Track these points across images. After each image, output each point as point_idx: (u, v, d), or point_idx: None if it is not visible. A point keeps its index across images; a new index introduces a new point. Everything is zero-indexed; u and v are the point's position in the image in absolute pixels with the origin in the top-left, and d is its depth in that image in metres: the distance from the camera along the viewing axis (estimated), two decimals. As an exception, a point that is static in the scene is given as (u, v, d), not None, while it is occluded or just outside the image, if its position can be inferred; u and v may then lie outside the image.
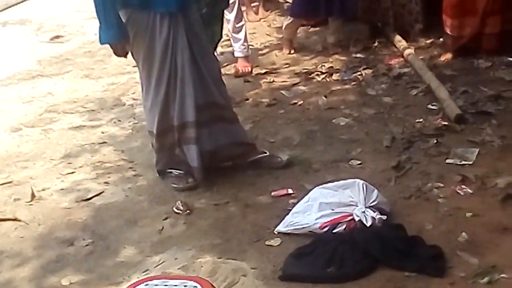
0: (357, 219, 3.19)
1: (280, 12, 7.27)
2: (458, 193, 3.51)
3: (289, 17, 5.96)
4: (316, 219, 3.25)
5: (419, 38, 5.85)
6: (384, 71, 5.29)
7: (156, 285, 2.29)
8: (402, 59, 5.46)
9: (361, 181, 3.37)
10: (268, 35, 6.65)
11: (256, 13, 7.24)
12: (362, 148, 4.10)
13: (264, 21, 7.16)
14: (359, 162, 3.95)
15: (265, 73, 5.57)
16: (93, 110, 5.16)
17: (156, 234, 3.45)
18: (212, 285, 2.31)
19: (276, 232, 3.32)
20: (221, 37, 4.90)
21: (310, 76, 5.38)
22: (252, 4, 7.29)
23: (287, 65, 5.70)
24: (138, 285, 2.30)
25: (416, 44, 5.73)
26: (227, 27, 5.40)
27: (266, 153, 4.01)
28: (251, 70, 5.56)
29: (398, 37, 5.73)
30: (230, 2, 5.04)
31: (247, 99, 5.04)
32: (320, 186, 3.48)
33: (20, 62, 6.45)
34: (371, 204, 3.26)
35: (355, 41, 5.94)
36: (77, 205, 3.82)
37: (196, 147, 3.76)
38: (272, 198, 3.67)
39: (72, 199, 3.88)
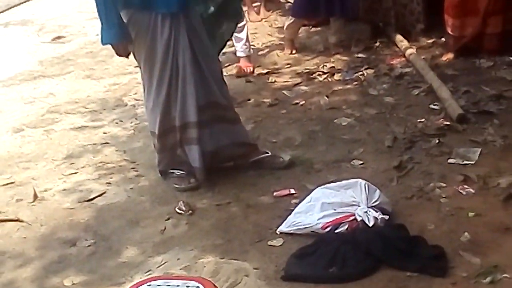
0: (359, 219, 3.20)
1: (281, 12, 7.27)
2: (460, 193, 3.51)
3: (290, 17, 5.96)
4: (318, 219, 3.25)
5: (420, 38, 5.85)
6: (386, 71, 5.29)
7: (159, 285, 2.29)
8: (403, 59, 5.46)
9: (363, 181, 3.37)
10: (269, 35, 6.65)
11: (258, 13, 7.25)
12: (364, 148, 4.10)
13: (265, 21, 7.16)
14: (361, 162, 3.95)
15: (266, 73, 5.57)
16: (95, 111, 5.16)
17: (158, 235, 3.45)
18: (214, 285, 2.32)
19: (278, 232, 3.32)
20: (230, 36, 4.87)
21: (311, 76, 5.38)
22: (254, 4, 7.30)
23: (289, 65, 5.71)
24: (140, 286, 2.30)
25: (417, 44, 5.73)
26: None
27: (268, 153, 4.01)
28: (253, 70, 5.56)
29: (399, 37, 5.73)
30: None
31: (249, 99, 5.04)
32: (322, 186, 3.47)
33: (21, 63, 6.46)
34: (373, 204, 3.26)
35: (356, 41, 5.94)
36: (79, 205, 3.83)
37: (198, 147, 3.76)
38: (274, 198, 3.67)
39: (74, 200, 3.88)
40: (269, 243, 3.26)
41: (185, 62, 3.64)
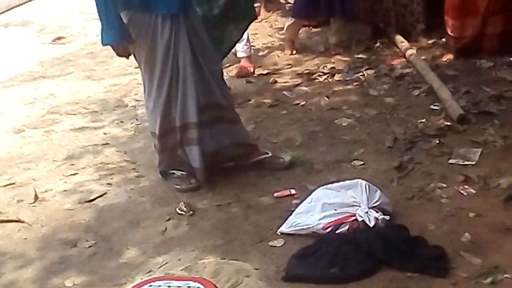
0: (360, 219, 3.20)
1: (281, 13, 7.27)
2: (461, 193, 3.51)
3: (290, 17, 5.96)
4: (319, 219, 3.25)
5: (421, 39, 5.84)
6: (386, 71, 5.29)
7: (160, 286, 2.29)
8: (404, 59, 5.46)
9: (364, 182, 3.37)
10: (270, 36, 6.65)
11: (258, 14, 7.24)
12: (364, 149, 4.10)
13: (265, 22, 7.15)
14: (362, 162, 3.95)
15: (267, 73, 5.57)
16: (95, 112, 5.16)
17: (159, 235, 3.45)
18: (215, 286, 2.32)
19: (279, 233, 3.32)
20: (240, 37, 4.85)
21: (312, 77, 5.38)
22: (254, 5, 7.28)
23: (289, 66, 5.71)
24: (141, 286, 2.31)
25: (418, 45, 5.73)
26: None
27: (268, 153, 4.01)
28: (254, 71, 5.56)
29: (400, 38, 5.73)
30: None
31: (250, 100, 5.04)
32: (323, 187, 3.48)
33: (22, 64, 6.46)
34: (374, 205, 3.26)
35: (357, 41, 5.94)
36: (80, 206, 3.83)
37: (198, 148, 3.76)
38: (274, 199, 3.67)
39: (75, 201, 3.88)
40: (270, 243, 3.26)
41: (186, 63, 3.65)
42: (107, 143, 4.59)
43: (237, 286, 2.96)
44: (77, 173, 4.20)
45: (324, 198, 3.36)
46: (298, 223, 3.29)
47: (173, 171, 3.93)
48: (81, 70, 6.17)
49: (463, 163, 3.79)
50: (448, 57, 5.37)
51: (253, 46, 5.99)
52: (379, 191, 3.37)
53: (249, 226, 3.44)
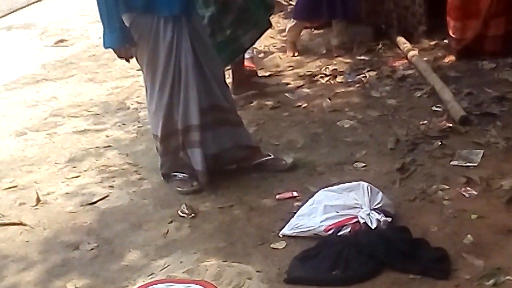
0: (362, 221, 3.20)
1: (283, 14, 7.26)
2: (463, 195, 3.50)
3: (292, 19, 5.95)
4: (321, 221, 3.25)
5: (422, 40, 5.84)
6: (388, 73, 5.29)
7: (161, 288, 2.29)
8: (406, 61, 5.45)
9: (366, 184, 3.37)
10: (271, 37, 6.63)
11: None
12: (366, 151, 4.10)
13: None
14: (364, 164, 3.95)
15: (269, 75, 5.57)
16: (98, 114, 5.16)
17: (161, 238, 3.46)
18: (217, 288, 2.32)
19: (281, 235, 3.33)
20: (251, 44, 4.86)
21: (314, 79, 5.37)
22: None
23: (291, 68, 5.70)
24: (143, 289, 2.31)
25: (420, 46, 5.72)
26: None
27: (270, 156, 4.01)
28: (257, 72, 5.55)
29: (402, 39, 5.72)
30: None
31: (252, 102, 5.04)
32: (325, 189, 3.48)
33: (24, 66, 6.46)
34: (376, 207, 3.26)
35: (359, 43, 5.94)
36: (82, 209, 3.83)
37: (201, 150, 3.76)
38: (276, 201, 3.67)
39: (77, 203, 3.89)
40: (272, 246, 3.26)
41: (188, 65, 3.65)
42: (109, 146, 4.59)
43: (239, 289, 2.97)
44: (79, 176, 4.21)
45: (326, 200, 3.36)
46: (300, 225, 3.30)
47: (175, 174, 3.93)
48: (83, 72, 6.17)
49: (465, 165, 3.79)
50: (450, 58, 5.36)
51: (255, 48, 5.98)
52: (381, 193, 3.37)
53: (251, 228, 3.44)
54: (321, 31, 6.40)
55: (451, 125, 4.25)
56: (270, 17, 4.85)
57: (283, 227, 3.36)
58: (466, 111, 4.33)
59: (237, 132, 3.92)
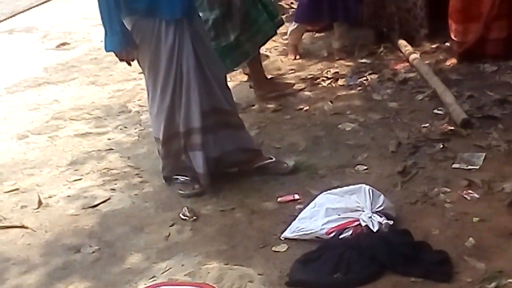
0: (363, 224, 3.20)
1: (285, 17, 7.27)
2: (465, 198, 3.50)
3: (294, 22, 5.95)
4: (323, 224, 3.25)
5: (424, 43, 5.83)
6: (390, 76, 5.28)
7: (163, 291, 2.29)
8: (407, 64, 5.45)
9: (367, 187, 3.37)
10: (273, 40, 6.62)
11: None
12: (368, 154, 4.10)
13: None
14: (365, 167, 3.95)
15: (271, 78, 5.57)
16: (99, 117, 5.17)
17: (162, 241, 3.46)
18: (218, 291, 2.32)
19: (282, 238, 3.33)
20: (255, 50, 4.87)
21: (315, 82, 5.37)
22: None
23: (293, 71, 5.70)
24: (144, 292, 2.31)
25: (421, 49, 5.72)
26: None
27: (272, 159, 4.01)
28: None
29: (403, 42, 5.72)
30: None
31: (253, 105, 5.04)
32: (326, 192, 3.48)
33: (26, 70, 6.47)
34: (378, 209, 3.26)
35: (360, 46, 5.94)
36: (84, 212, 3.83)
37: (202, 153, 3.76)
38: (278, 204, 3.67)
39: (79, 206, 3.89)
40: (273, 249, 3.26)
41: (189, 68, 3.65)
42: (111, 149, 4.59)
43: (240, 292, 2.97)
44: (80, 179, 4.21)
45: (328, 203, 3.36)
46: (302, 228, 3.29)
47: (176, 177, 3.94)
48: (85, 75, 6.18)
49: (467, 168, 3.79)
50: (452, 61, 5.36)
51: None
52: (382, 196, 3.37)
53: (252, 231, 3.44)
54: (323, 34, 6.40)
55: (452, 128, 4.25)
56: (277, 26, 4.85)
57: (285, 230, 3.36)
58: (468, 114, 4.33)
59: (238, 135, 3.92)
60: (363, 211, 3.24)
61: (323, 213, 3.30)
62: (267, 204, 3.68)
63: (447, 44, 5.59)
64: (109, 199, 3.94)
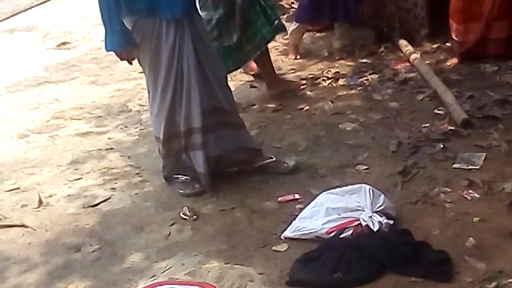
0: (364, 224, 3.20)
1: (285, 17, 7.27)
2: (465, 198, 3.50)
3: (294, 22, 5.95)
4: (323, 224, 3.25)
5: (425, 43, 5.83)
6: (390, 76, 5.28)
7: (163, 290, 2.29)
8: (408, 64, 5.45)
9: (368, 186, 3.37)
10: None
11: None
12: (368, 153, 4.10)
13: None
14: (366, 167, 3.95)
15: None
16: (100, 116, 5.17)
17: (162, 240, 3.46)
18: (219, 290, 2.32)
19: (282, 238, 3.33)
20: (256, 52, 4.86)
21: (316, 82, 5.37)
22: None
23: (293, 71, 5.70)
24: (145, 291, 2.31)
25: (422, 49, 5.72)
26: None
27: (272, 158, 4.01)
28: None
29: (404, 42, 5.72)
30: None
31: (254, 105, 5.04)
32: (327, 192, 3.48)
33: (27, 69, 6.47)
34: (378, 209, 3.26)
35: (361, 46, 5.94)
36: (84, 211, 3.84)
37: (202, 153, 3.77)
38: (278, 203, 3.67)
39: (79, 205, 3.89)
40: (273, 248, 3.26)
41: (190, 67, 3.65)
42: (112, 148, 4.59)
43: (240, 291, 2.97)
44: (81, 178, 4.21)
45: (328, 202, 3.36)
46: (302, 228, 3.29)
47: (177, 176, 3.94)
48: (85, 75, 6.18)
49: (467, 168, 3.79)
50: (453, 61, 5.36)
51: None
52: (383, 195, 3.37)
53: (253, 230, 3.44)
54: (323, 34, 6.41)
55: (453, 128, 4.25)
56: (275, 31, 4.83)
57: (285, 229, 3.36)
58: (468, 114, 4.33)
59: (239, 134, 3.92)
60: (364, 211, 3.24)
61: (323, 213, 3.30)
62: (267, 204, 3.68)
63: (448, 44, 5.60)
64: (109, 198, 3.94)
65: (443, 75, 5.08)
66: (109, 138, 4.76)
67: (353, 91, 5.13)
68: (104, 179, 4.16)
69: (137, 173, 4.19)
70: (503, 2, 5.02)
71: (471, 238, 3.13)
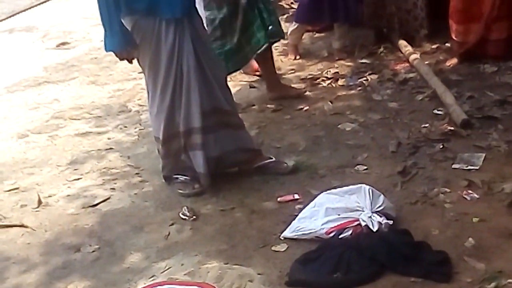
0: (363, 224, 3.20)
1: (285, 18, 7.27)
2: (465, 198, 3.50)
3: (294, 22, 5.96)
4: (322, 224, 3.25)
5: (424, 44, 5.84)
6: (390, 76, 5.29)
7: (163, 291, 2.29)
8: (407, 64, 5.45)
9: (367, 186, 3.37)
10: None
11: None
12: (368, 154, 4.10)
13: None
14: (365, 167, 3.95)
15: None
16: (99, 117, 5.17)
17: (162, 240, 3.46)
18: (218, 291, 2.32)
19: (282, 238, 3.33)
20: (253, 55, 4.85)
21: (315, 82, 5.37)
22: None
23: (293, 71, 5.70)
24: (144, 291, 2.31)
25: (421, 49, 5.72)
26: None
27: (272, 158, 4.01)
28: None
29: (403, 43, 5.72)
30: None
31: (253, 105, 5.04)
32: (326, 192, 3.48)
33: (26, 69, 6.47)
34: (377, 209, 3.26)
35: (360, 46, 5.94)
36: (84, 211, 3.83)
37: (202, 153, 3.77)
38: (278, 203, 3.67)
39: (79, 205, 3.89)
40: (273, 248, 3.26)
41: (189, 67, 3.65)
42: (111, 148, 4.59)
43: (240, 291, 2.97)
44: (80, 178, 4.21)
45: (328, 203, 3.36)
46: (302, 228, 3.30)
47: (176, 176, 3.94)
48: (85, 75, 6.18)
49: (467, 168, 3.79)
50: (453, 61, 5.36)
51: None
52: (382, 196, 3.37)
53: (252, 231, 3.44)
54: (323, 34, 6.41)
55: (452, 128, 4.25)
56: (271, 37, 4.80)
57: (285, 229, 3.36)
58: (468, 115, 4.33)
59: (238, 134, 3.92)
60: (363, 211, 3.24)
61: (323, 213, 3.30)
62: (267, 204, 3.68)
63: (447, 44, 5.60)
64: (109, 198, 3.94)
65: (442, 75, 5.08)
66: (109, 138, 4.76)
67: (352, 92, 5.14)
68: (103, 179, 4.16)
69: (136, 173, 4.19)
70: (502, 3, 5.02)
71: (470, 239, 3.13)
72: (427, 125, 4.36)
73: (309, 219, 3.32)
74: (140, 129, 4.85)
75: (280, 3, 7.18)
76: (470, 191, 3.54)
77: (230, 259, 3.21)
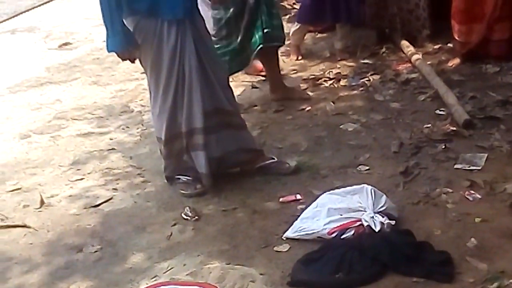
0: (365, 224, 3.20)
1: (287, 18, 7.27)
2: (467, 198, 3.50)
3: (296, 23, 5.96)
4: (325, 224, 3.25)
5: (426, 44, 5.84)
6: (392, 76, 5.29)
7: (165, 291, 2.29)
8: (409, 64, 5.45)
9: (370, 187, 3.37)
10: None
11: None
12: (370, 154, 4.10)
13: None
14: (367, 167, 3.95)
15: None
16: (102, 117, 5.17)
17: (164, 240, 3.46)
18: (220, 291, 2.32)
19: (284, 238, 3.33)
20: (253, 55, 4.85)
21: (317, 82, 5.38)
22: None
23: (295, 71, 5.71)
24: (146, 291, 2.31)
25: (423, 50, 5.72)
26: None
27: (274, 159, 4.01)
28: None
29: (405, 43, 5.72)
30: None
31: (255, 105, 5.04)
32: (329, 192, 3.48)
33: (28, 69, 6.48)
34: (380, 210, 3.26)
35: (362, 47, 5.94)
36: (86, 211, 3.84)
37: (204, 153, 3.77)
38: (280, 204, 3.67)
39: (81, 206, 3.89)
40: (275, 248, 3.26)
41: (191, 68, 3.66)
42: (113, 149, 4.59)
43: (242, 291, 2.97)
44: (83, 178, 4.21)
45: (330, 203, 3.36)
46: (304, 228, 3.29)
47: (179, 176, 3.94)
48: (87, 75, 6.18)
49: (469, 168, 3.79)
50: (455, 61, 5.36)
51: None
52: (384, 196, 3.37)
53: (254, 231, 3.44)
54: (325, 34, 6.41)
55: (454, 128, 4.25)
56: (267, 40, 4.78)
57: (287, 230, 3.36)
58: (470, 115, 4.33)
59: (240, 135, 3.92)
60: (365, 211, 3.24)
61: (325, 213, 3.30)
62: (269, 204, 3.68)
63: (449, 44, 5.60)
64: (111, 198, 3.94)
65: (444, 75, 5.08)
66: (111, 139, 4.76)
67: (354, 92, 5.14)
68: (105, 180, 4.16)
69: (138, 174, 4.19)
70: (505, 4, 5.02)
71: (473, 239, 3.13)
72: (429, 125, 4.36)
73: (311, 219, 3.32)
74: (142, 130, 4.85)
75: (282, 3, 7.18)
76: (472, 192, 3.54)
77: (232, 259, 3.21)
